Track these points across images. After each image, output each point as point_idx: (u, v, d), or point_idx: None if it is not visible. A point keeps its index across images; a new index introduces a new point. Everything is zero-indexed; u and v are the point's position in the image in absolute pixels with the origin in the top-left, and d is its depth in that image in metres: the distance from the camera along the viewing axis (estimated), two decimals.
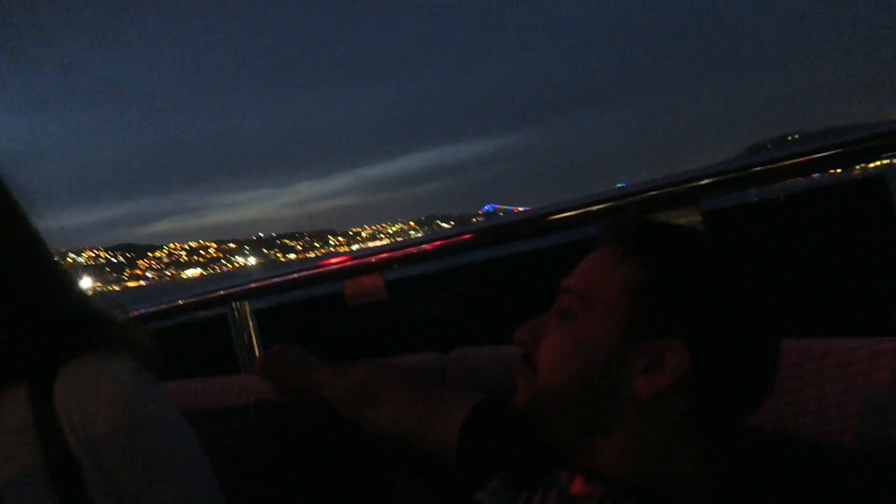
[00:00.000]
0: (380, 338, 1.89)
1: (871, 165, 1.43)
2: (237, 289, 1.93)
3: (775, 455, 0.83)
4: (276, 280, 1.90)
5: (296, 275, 1.86)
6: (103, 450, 0.78)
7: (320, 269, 1.82)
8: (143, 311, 2.08)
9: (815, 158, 1.38)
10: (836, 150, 1.39)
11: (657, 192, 1.57)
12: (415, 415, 1.08)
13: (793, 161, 1.36)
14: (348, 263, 1.79)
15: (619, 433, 0.74)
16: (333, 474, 1.21)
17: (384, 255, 1.78)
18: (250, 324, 1.97)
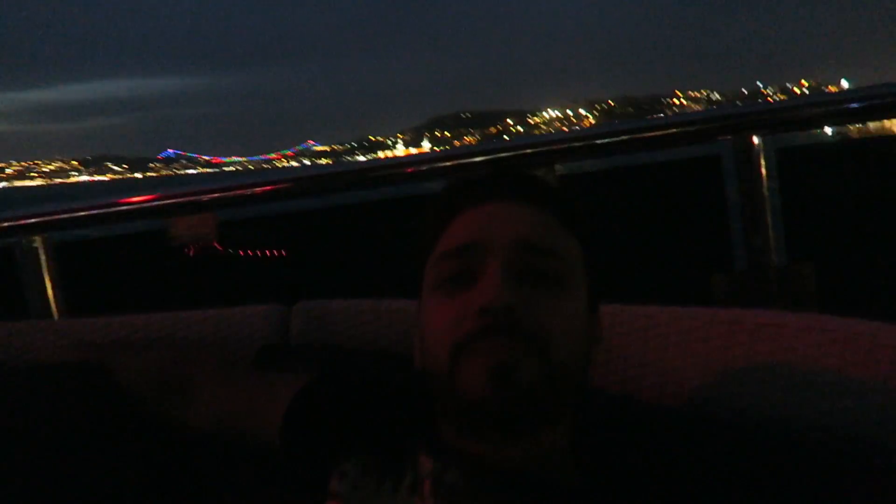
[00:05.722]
0: (211, 285, 1.70)
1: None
2: (30, 220, 1.64)
3: (622, 417, 0.84)
4: (83, 213, 1.64)
5: (108, 209, 1.62)
6: None
7: (139, 205, 1.59)
8: None
9: (661, 135, 1.47)
10: (676, 129, 1.51)
11: (511, 153, 1.60)
12: (232, 405, 0.93)
13: (649, 134, 1.43)
14: (174, 200, 1.58)
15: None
16: (129, 465, 0.98)
17: (215, 194, 1.60)
18: (43, 261, 1.69)
